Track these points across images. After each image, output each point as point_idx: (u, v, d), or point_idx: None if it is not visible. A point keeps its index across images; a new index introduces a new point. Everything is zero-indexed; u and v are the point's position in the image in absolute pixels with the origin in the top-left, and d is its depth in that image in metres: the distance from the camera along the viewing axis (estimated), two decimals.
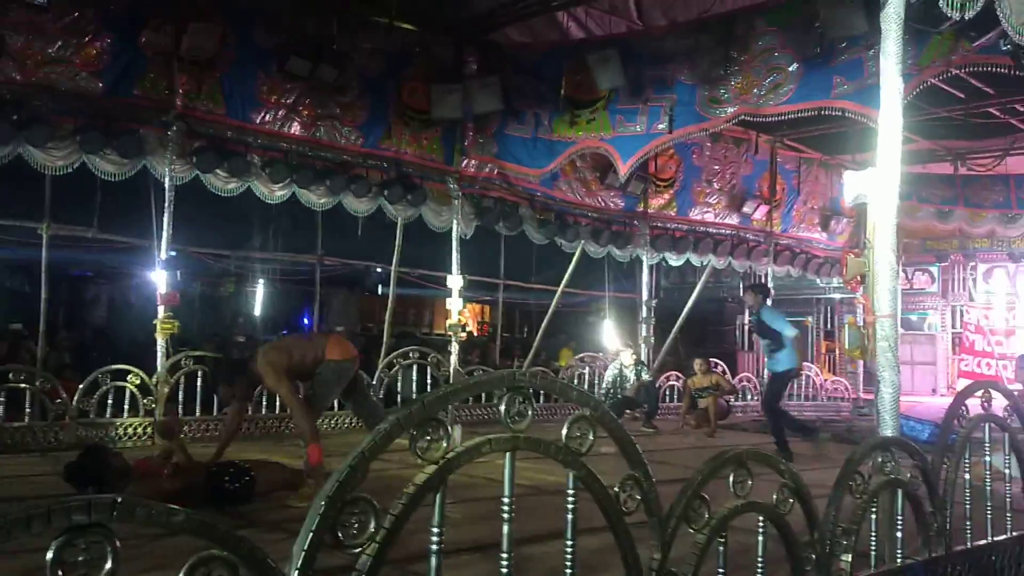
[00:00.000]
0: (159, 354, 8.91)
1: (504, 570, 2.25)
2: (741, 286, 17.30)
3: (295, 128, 9.94)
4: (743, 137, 14.16)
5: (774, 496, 3.02)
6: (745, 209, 14.54)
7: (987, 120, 12.76)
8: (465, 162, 11.44)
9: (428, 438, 2.11)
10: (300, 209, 10.66)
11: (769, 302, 9.75)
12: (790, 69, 9.35)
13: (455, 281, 11.39)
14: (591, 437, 2.45)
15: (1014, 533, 4.36)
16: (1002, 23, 5.53)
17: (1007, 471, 4.54)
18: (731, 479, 2.86)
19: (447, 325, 11.91)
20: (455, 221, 11.34)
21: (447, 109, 10.35)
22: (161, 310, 8.98)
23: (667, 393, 13.53)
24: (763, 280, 14.74)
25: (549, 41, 11.02)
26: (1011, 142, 13.88)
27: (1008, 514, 4.42)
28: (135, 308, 17.17)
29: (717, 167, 14.26)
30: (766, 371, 9.50)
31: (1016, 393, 6.65)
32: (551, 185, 12.45)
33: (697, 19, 9.89)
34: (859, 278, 5.29)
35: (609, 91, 10.36)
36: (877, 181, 4.98)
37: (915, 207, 15.33)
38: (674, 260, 14.49)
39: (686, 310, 15.27)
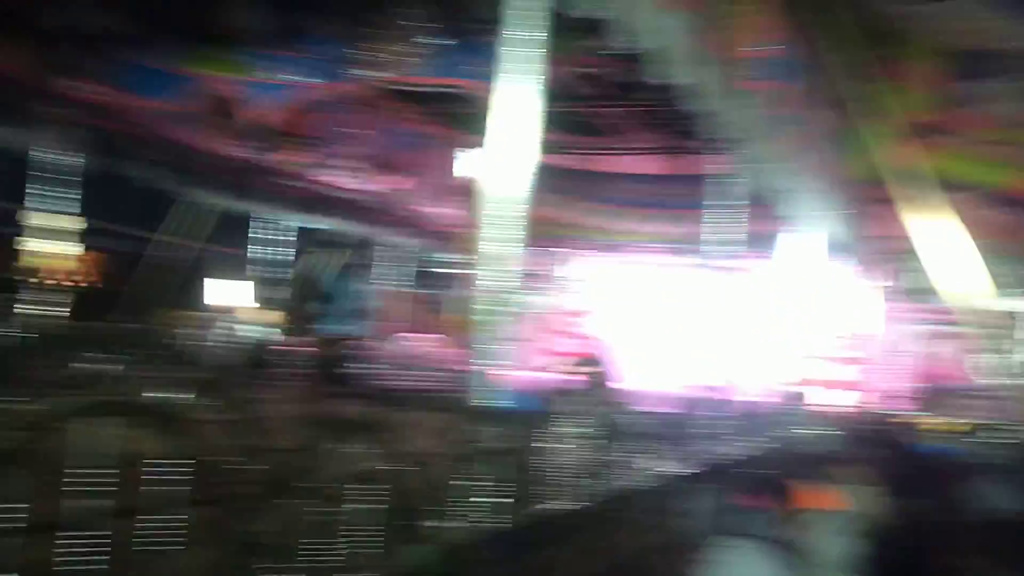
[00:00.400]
0: None
1: (90, 547, 2.03)
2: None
3: None
4: (382, 105, 14.22)
5: (381, 465, 3.06)
6: (376, 176, 14.69)
7: (602, 120, 14.07)
8: (74, 85, 10.15)
9: (7, 401, 1.83)
10: None
11: (345, 265, 9.83)
12: (430, 43, 9.58)
13: (37, 219, 10.20)
14: (199, 402, 2.30)
15: (597, 495, 4.87)
16: (619, 30, 6.08)
17: (591, 441, 5.04)
18: (341, 447, 2.85)
19: (26, 270, 10.61)
20: (54, 151, 10.09)
21: (61, 23, 9.18)
22: None
23: (289, 358, 13.21)
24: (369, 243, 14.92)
25: None
26: (618, 142, 15.41)
27: (590, 480, 4.92)
28: None
29: (352, 131, 14.18)
30: (334, 332, 9.62)
31: (601, 369, 7.44)
32: (172, 124, 11.49)
33: None
34: (471, 254, 5.54)
35: (249, 32, 9.85)
36: (493, 164, 5.26)
37: (531, 193, 16.40)
38: (299, 220, 14.26)
39: (304, 272, 15.12)
